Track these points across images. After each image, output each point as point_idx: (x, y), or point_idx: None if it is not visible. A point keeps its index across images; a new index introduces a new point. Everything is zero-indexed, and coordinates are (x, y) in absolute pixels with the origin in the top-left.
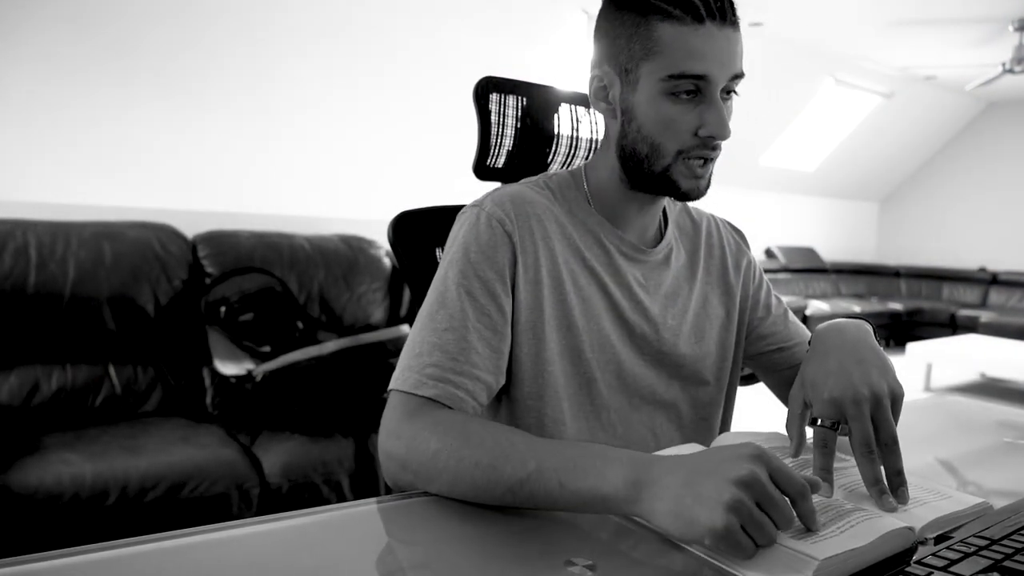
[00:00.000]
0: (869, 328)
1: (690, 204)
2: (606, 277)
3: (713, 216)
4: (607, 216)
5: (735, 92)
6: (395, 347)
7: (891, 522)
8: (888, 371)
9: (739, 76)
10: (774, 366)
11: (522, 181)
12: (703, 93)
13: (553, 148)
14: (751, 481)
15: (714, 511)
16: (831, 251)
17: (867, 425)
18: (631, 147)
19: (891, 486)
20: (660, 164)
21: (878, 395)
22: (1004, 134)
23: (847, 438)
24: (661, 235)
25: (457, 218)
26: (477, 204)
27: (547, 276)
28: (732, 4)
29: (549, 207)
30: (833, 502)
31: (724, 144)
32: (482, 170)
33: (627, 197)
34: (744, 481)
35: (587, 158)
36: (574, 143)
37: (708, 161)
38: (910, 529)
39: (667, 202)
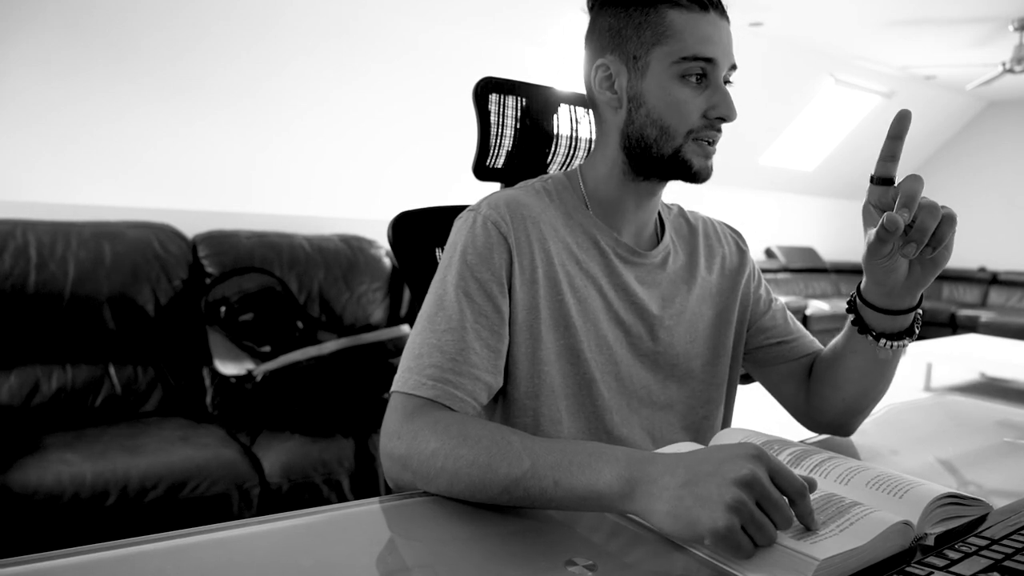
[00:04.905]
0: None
1: (686, 209)
2: (602, 279)
3: (709, 218)
4: (603, 218)
5: (730, 82)
6: (395, 347)
7: (890, 517)
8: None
9: (735, 67)
10: (773, 360)
11: (518, 185)
12: (709, 77)
13: (553, 148)
14: (752, 481)
15: (715, 511)
16: (831, 251)
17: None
18: (638, 133)
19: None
20: (671, 146)
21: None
22: (1004, 134)
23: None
24: (657, 239)
25: (454, 223)
26: (473, 208)
27: (543, 277)
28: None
29: (545, 210)
30: (832, 497)
31: (723, 144)
32: (482, 170)
33: (625, 192)
34: (745, 481)
35: (586, 159)
36: (573, 143)
37: (713, 142)
38: (908, 524)
39: (662, 207)
